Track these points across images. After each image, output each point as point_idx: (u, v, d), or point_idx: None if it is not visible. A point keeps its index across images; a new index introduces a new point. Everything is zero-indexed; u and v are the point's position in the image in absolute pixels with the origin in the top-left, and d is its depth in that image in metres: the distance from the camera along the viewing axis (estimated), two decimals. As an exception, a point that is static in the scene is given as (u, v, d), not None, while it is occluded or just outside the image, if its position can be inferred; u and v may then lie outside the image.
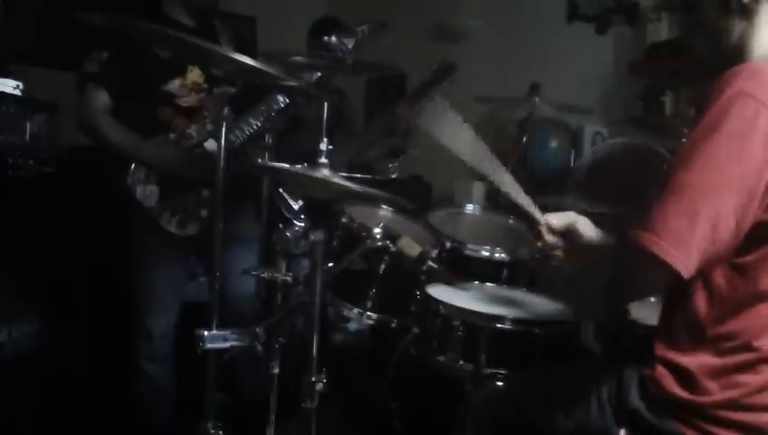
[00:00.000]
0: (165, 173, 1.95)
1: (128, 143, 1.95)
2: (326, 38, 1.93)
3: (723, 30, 1.15)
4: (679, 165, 1.03)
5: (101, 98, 1.95)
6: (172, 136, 1.99)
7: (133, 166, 1.95)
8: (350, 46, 1.89)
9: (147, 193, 1.95)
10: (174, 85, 1.98)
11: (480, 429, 1.43)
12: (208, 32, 2.06)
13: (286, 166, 1.42)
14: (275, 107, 1.93)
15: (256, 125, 1.95)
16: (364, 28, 1.94)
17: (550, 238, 1.42)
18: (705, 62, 1.21)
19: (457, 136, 1.47)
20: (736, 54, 1.13)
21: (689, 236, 1.00)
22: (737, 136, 1.00)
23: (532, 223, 1.48)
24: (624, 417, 1.19)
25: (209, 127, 1.99)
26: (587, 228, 1.40)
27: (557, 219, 1.43)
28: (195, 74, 2.01)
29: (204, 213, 1.99)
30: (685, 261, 1.01)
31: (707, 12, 1.17)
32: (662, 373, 1.14)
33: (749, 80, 1.03)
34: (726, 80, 1.03)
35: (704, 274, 1.08)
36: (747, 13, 1.12)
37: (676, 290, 1.14)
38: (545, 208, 1.50)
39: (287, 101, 1.95)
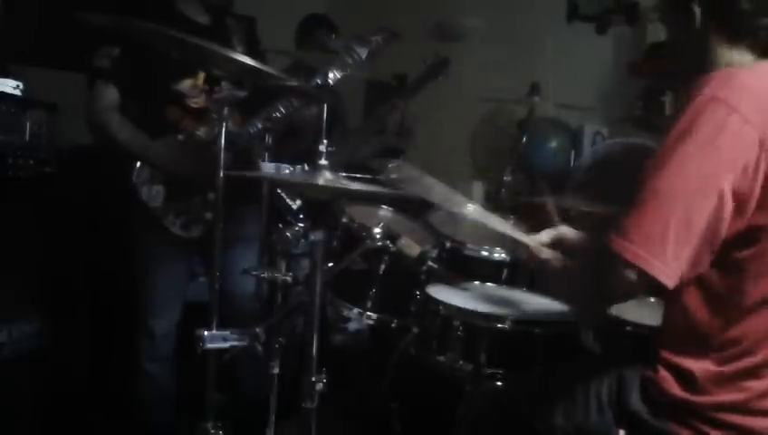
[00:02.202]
0: (171, 174, 1.94)
1: (136, 142, 1.93)
2: (324, 38, 1.93)
3: (686, 42, 1.21)
4: (653, 169, 1.05)
5: (111, 95, 1.92)
6: (180, 137, 1.97)
7: (138, 165, 1.93)
8: (363, 56, 1.89)
9: (152, 193, 1.93)
10: (185, 85, 1.96)
11: (479, 429, 1.43)
12: (221, 30, 2.04)
13: (287, 174, 1.43)
14: (285, 110, 1.92)
15: (264, 127, 1.94)
16: (378, 38, 1.93)
17: (546, 253, 1.38)
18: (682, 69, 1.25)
19: (431, 189, 1.48)
20: (699, 64, 1.16)
21: (663, 241, 1.02)
22: (708, 140, 1.01)
23: (519, 245, 1.46)
24: (624, 418, 1.19)
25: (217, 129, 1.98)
26: (571, 234, 1.40)
27: (545, 236, 1.41)
28: (201, 77, 1.99)
29: (208, 216, 1.97)
30: (664, 268, 1.02)
31: (672, 25, 1.24)
32: (664, 376, 1.14)
33: (720, 85, 1.05)
34: (699, 85, 1.06)
35: (696, 277, 1.09)
36: (697, 28, 1.16)
37: (672, 294, 1.14)
38: (546, 208, 1.50)
39: (295, 104, 1.95)
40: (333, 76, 1.90)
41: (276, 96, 1.94)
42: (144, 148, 1.93)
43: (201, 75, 1.98)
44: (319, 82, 1.90)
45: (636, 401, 1.17)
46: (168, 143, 1.95)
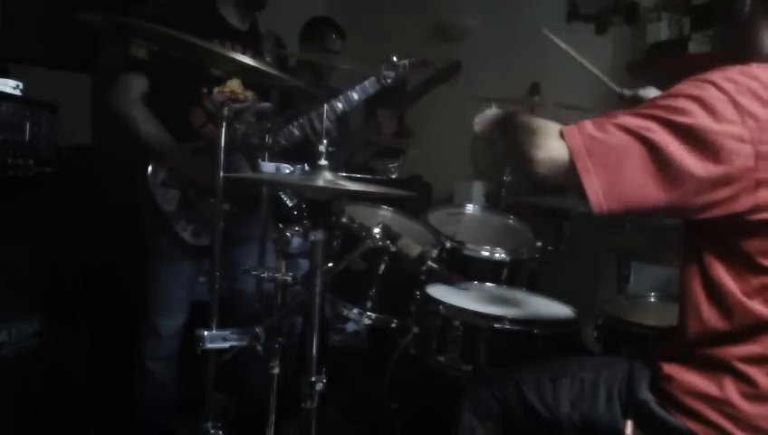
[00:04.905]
0: (190, 180, 1.91)
1: (159, 142, 1.88)
2: (329, 40, 1.92)
3: (733, 29, 1.22)
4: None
5: (141, 86, 1.88)
6: (201, 144, 1.93)
7: (152, 166, 1.90)
8: (389, 80, 1.97)
9: (167, 197, 1.90)
10: (215, 92, 1.95)
11: (479, 413, 1.40)
12: (254, 37, 2.03)
13: (287, 174, 1.43)
14: (326, 115, 1.92)
15: (299, 135, 1.95)
16: (405, 63, 1.96)
17: None
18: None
19: None
20: (743, 52, 1.17)
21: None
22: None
23: None
24: (631, 409, 1.19)
25: (239, 139, 1.96)
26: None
27: None
28: (234, 83, 1.97)
29: (221, 226, 1.95)
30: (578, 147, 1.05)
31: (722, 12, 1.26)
32: (672, 368, 1.14)
33: (722, 73, 1.06)
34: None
35: (707, 278, 1.10)
36: (747, 14, 1.17)
37: (687, 295, 1.15)
38: (545, 209, 1.50)
39: (341, 108, 1.96)
40: (358, 98, 1.99)
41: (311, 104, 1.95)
42: (166, 147, 1.89)
43: (229, 83, 1.97)
44: (342, 106, 1.98)
45: (644, 391, 1.17)
46: (191, 148, 1.91)
